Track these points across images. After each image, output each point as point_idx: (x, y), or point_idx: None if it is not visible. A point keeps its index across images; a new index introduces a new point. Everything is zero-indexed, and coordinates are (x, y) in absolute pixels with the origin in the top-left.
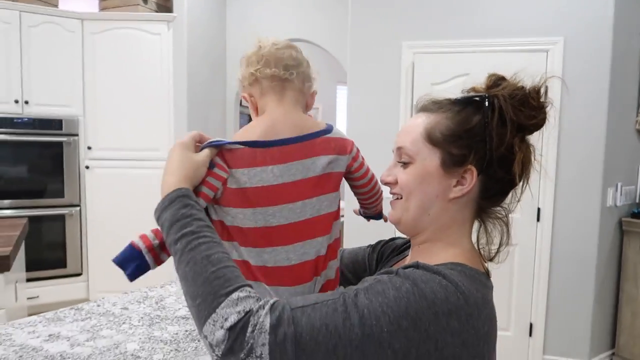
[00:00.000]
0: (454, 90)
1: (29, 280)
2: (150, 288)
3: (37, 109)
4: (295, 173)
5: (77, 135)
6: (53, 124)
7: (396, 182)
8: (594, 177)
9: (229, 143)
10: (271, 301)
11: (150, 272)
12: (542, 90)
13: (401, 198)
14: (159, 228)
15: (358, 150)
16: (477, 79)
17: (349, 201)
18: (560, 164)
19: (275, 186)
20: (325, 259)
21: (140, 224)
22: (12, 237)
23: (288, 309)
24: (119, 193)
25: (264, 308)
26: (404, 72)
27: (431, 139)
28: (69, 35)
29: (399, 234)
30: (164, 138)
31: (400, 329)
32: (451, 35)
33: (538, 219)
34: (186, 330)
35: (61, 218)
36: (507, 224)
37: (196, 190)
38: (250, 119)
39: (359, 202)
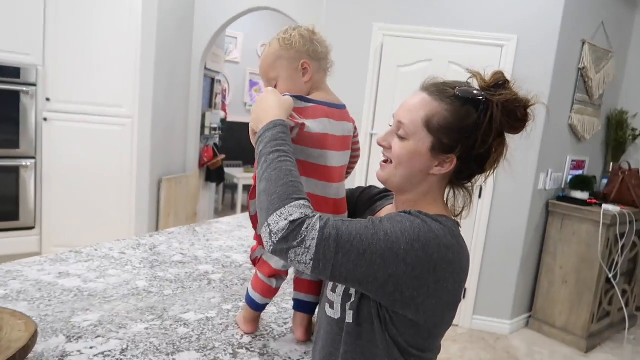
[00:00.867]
0: (418, 73)
1: None
2: (140, 237)
3: None
4: (338, 129)
5: (35, 85)
6: (9, 72)
7: (390, 148)
8: (530, 163)
9: (307, 99)
10: (321, 215)
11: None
12: (531, 106)
13: (391, 163)
14: None
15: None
16: (438, 65)
17: None
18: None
19: (335, 136)
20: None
21: (97, 180)
22: None
23: (333, 219)
24: (78, 148)
25: (316, 216)
26: (372, 52)
27: (429, 125)
28: None
29: None
30: (128, 95)
31: (413, 248)
32: (419, 21)
33: (480, 196)
34: (186, 272)
35: (15, 170)
36: (470, 194)
37: None
38: (213, 83)
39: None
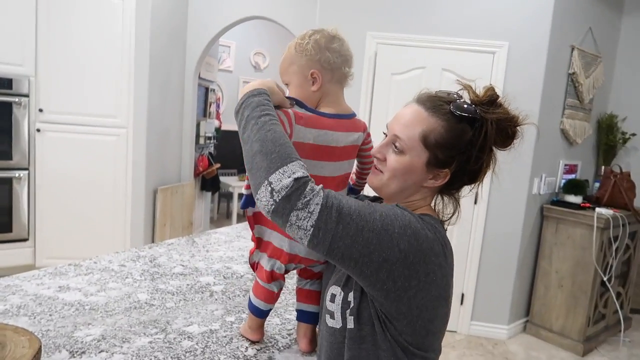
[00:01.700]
0: (412, 80)
1: None
2: (139, 249)
3: None
4: (345, 140)
5: (27, 96)
6: (1, 83)
7: (384, 160)
8: (524, 169)
9: (304, 106)
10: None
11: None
12: (520, 123)
13: (383, 172)
14: None
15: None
16: (432, 73)
17: None
18: (496, 154)
19: (332, 147)
20: None
21: (92, 191)
22: None
23: (334, 192)
24: (72, 159)
25: (320, 185)
26: (366, 60)
27: (425, 141)
28: None
29: None
30: (122, 105)
31: (406, 234)
32: (412, 29)
33: (475, 202)
34: (188, 284)
35: (8, 181)
36: (458, 201)
37: None
38: (207, 92)
39: (357, 172)
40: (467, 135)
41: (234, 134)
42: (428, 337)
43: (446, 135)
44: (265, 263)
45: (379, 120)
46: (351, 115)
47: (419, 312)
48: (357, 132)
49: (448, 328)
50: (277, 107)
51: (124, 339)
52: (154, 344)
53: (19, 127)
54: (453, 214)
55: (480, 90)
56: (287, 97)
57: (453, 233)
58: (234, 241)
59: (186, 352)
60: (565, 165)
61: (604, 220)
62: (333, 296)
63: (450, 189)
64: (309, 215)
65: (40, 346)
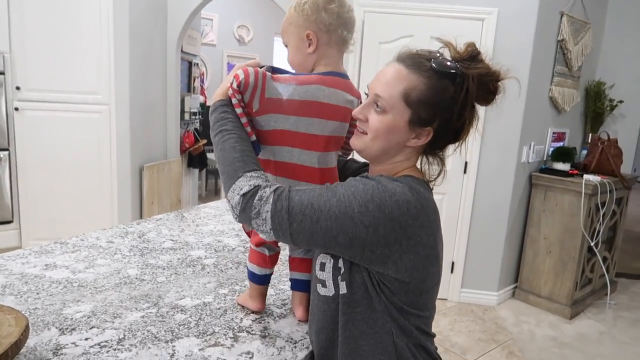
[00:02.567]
0: (400, 49)
1: None
2: (127, 225)
3: None
4: (337, 99)
5: (2, 73)
6: None
7: (366, 121)
8: (512, 137)
9: (278, 70)
10: (275, 184)
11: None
12: (502, 78)
13: (366, 134)
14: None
15: None
16: (420, 41)
17: None
18: (485, 124)
19: (321, 103)
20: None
21: (76, 170)
22: None
23: (286, 190)
24: (53, 137)
25: (269, 187)
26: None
27: (407, 99)
28: None
29: None
30: (103, 81)
31: (368, 210)
32: None
33: (465, 171)
34: (178, 258)
35: None
36: (443, 161)
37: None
38: (190, 66)
39: (345, 141)
40: (449, 92)
41: None
42: (422, 296)
43: (428, 92)
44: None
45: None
46: (345, 76)
47: (409, 273)
48: (352, 96)
49: (438, 296)
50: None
51: (115, 315)
52: (147, 318)
53: None
54: (439, 174)
55: (461, 47)
56: (267, 67)
57: (443, 202)
58: (224, 215)
59: (180, 325)
60: (554, 133)
61: (591, 186)
62: (323, 265)
63: (434, 148)
64: (264, 221)
65: (28, 324)
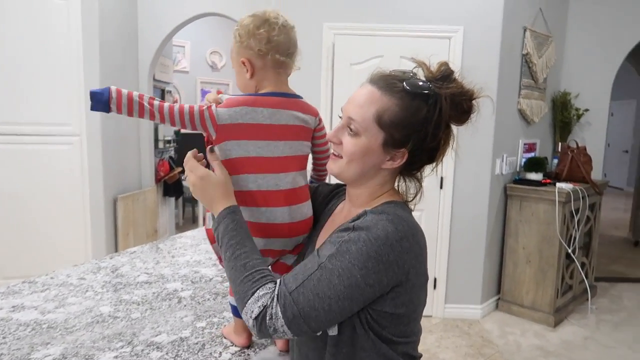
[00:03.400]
0: (371, 70)
1: None
2: (99, 260)
3: None
4: (280, 119)
5: None
6: None
7: (340, 144)
8: (485, 150)
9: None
10: (276, 291)
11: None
12: (475, 97)
13: (341, 157)
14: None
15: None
16: (390, 61)
17: None
18: (458, 138)
19: (267, 125)
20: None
21: (46, 205)
22: None
23: (288, 295)
24: (21, 172)
25: (274, 301)
26: (324, 51)
27: (380, 121)
28: None
29: None
30: (73, 111)
31: (368, 268)
32: (368, 19)
33: (441, 187)
34: (154, 292)
35: None
36: (420, 182)
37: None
38: (163, 94)
39: (314, 164)
40: (422, 112)
41: (194, 137)
42: (410, 324)
43: (401, 113)
44: None
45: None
46: (291, 95)
47: (404, 306)
48: (304, 114)
49: (423, 313)
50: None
51: (86, 356)
52: (120, 358)
53: None
54: (415, 195)
55: (434, 67)
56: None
57: (421, 219)
58: (201, 244)
59: None
60: (525, 144)
61: (564, 194)
62: None
63: (411, 170)
64: (284, 334)
65: None
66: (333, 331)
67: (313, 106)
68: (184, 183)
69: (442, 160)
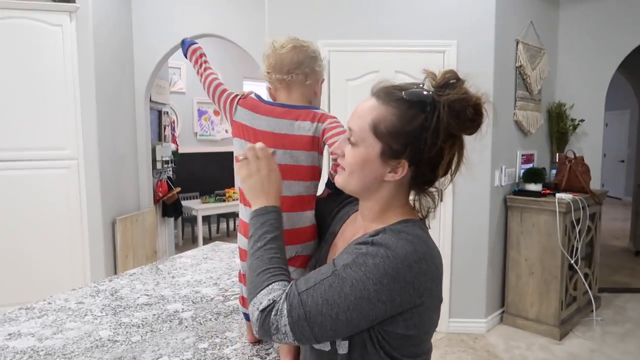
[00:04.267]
0: (367, 85)
1: None
2: (98, 283)
3: None
4: (281, 127)
5: None
6: None
7: (344, 155)
8: (484, 162)
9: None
10: (287, 290)
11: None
12: (482, 104)
13: (344, 169)
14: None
15: (335, 121)
16: (386, 76)
17: None
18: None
19: (264, 132)
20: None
21: (44, 230)
22: None
23: (297, 295)
24: (17, 197)
25: (282, 299)
26: None
27: (376, 131)
28: None
29: None
30: (70, 136)
31: (383, 285)
32: (363, 35)
33: (441, 200)
34: (154, 314)
35: None
36: (433, 199)
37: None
38: (160, 115)
39: (332, 167)
40: (418, 120)
41: (192, 157)
42: (422, 345)
43: (397, 122)
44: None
45: None
46: (296, 107)
47: (417, 328)
48: (306, 121)
49: None
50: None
51: None
52: None
53: None
54: (428, 212)
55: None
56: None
57: None
58: (201, 264)
59: None
60: (522, 155)
61: (564, 204)
62: None
63: (419, 184)
64: (284, 335)
65: None
66: (343, 349)
67: (324, 113)
68: (183, 203)
69: (453, 174)
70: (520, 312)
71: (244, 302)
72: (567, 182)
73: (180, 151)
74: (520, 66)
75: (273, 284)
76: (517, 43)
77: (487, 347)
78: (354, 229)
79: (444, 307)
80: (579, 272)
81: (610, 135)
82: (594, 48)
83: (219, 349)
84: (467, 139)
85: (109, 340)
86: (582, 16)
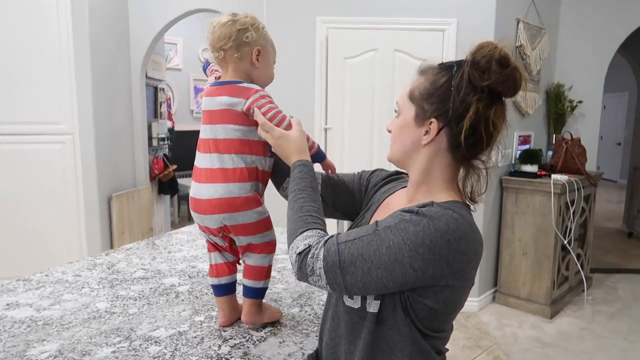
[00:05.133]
0: (365, 63)
1: None
2: (95, 257)
3: None
4: (208, 105)
5: None
6: None
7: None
8: None
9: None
10: (326, 237)
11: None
12: (509, 57)
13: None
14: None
15: (262, 97)
16: (384, 54)
17: None
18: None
19: (203, 111)
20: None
21: (40, 205)
22: None
23: (335, 244)
24: (13, 172)
25: (320, 244)
26: (318, 46)
27: (411, 97)
28: None
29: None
30: (65, 110)
31: (418, 253)
32: (361, 12)
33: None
34: (150, 288)
35: None
36: (479, 174)
37: None
38: (156, 91)
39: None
40: (445, 80)
41: (188, 134)
42: (446, 322)
43: (429, 86)
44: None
45: (336, 106)
46: (223, 83)
47: (444, 304)
48: (228, 97)
49: None
50: None
51: (83, 352)
52: (118, 353)
53: None
54: (475, 198)
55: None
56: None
57: None
58: (197, 239)
59: (154, 358)
60: (520, 136)
61: (560, 185)
62: None
63: (460, 154)
64: (319, 278)
65: None
66: (374, 308)
67: (250, 87)
68: (179, 180)
69: (493, 141)
70: (512, 292)
71: (213, 270)
72: (563, 164)
73: (176, 128)
74: (520, 46)
75: (307, 231)
76: (518, 22)
77: (479, 325)
78: (399, 200)
79: None
80: (572, 253)
81: (608, 117)
82: (595, 29)
83: (215, 322)
84: None
85: (106, 312)
86: None
